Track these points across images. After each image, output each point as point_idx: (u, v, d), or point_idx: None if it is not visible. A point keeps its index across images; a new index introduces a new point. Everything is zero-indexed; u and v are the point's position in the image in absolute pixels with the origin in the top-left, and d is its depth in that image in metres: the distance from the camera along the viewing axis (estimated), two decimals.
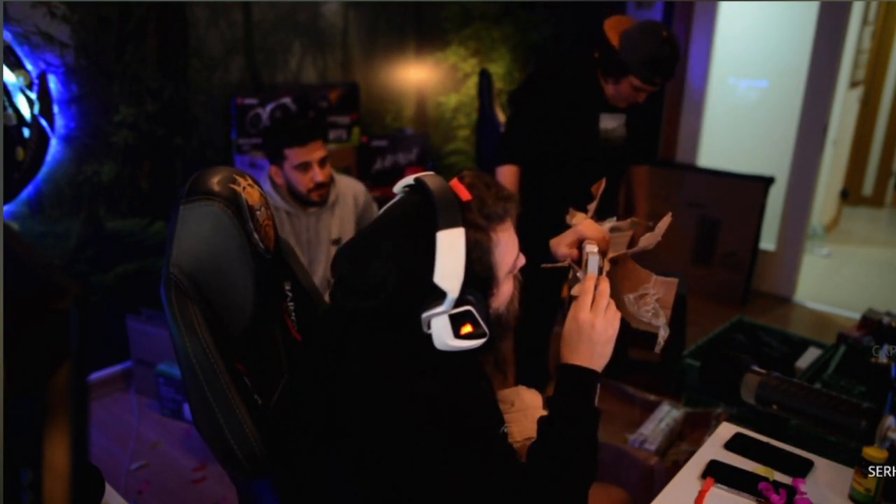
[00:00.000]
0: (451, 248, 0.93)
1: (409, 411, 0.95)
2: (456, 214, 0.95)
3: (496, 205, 0.99)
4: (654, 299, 1.16)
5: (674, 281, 1.15)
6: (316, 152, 2.29)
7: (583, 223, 1.24)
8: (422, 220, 0.96)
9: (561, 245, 1.23)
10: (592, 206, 1.46)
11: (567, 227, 1.35)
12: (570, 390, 1.06)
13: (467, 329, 0.96)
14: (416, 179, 1.02)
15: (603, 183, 1.44)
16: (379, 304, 0.97)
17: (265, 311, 1.15)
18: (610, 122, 2.40)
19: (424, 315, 0.96)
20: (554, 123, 2.38)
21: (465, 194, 0.97)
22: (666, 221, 1.15)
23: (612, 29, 2.30)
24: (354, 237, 1.05)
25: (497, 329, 1.05)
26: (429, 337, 0.98)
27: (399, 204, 1.03)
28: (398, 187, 1.06)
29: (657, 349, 1.13)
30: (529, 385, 1.25)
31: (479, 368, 1.15)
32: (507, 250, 1.02)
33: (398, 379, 0.97)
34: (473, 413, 1.02)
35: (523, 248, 1.08)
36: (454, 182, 1.00)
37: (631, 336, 1.17)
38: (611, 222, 1.41)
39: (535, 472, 1.00)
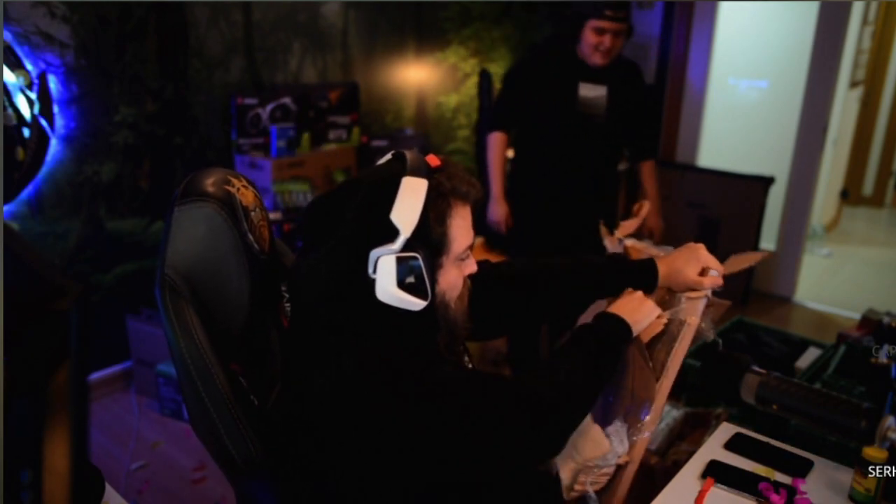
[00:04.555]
0: (412, 192, 0.98)
1: (369, 380, 0.97)
2: (424, 170, 1.01)
3: (462, 183, 1.04)
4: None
5: (726, 303, 1.31)
6: None
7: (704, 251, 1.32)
8: (390, 172, 1.02)
9: (690, 272, 1.29)
10: (629, 224, 1.54)
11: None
12: (597, 326, 1.18)
13: (410, 280, 0.98)
14: (394, 153, 1.08)
15: (645, 206, 1.55)
16: (333, 245, 0.99)
17: (261, 312, 1.15)
18: (590, 91, 2.55)
19: (374, 252, 0.97)
20: (535, 91, 2.56)
21: (435, 161, 1.04)
22: (756, 257, 1.37)
23: None
24: (317, 196, 1.08)
25: (440, 315, 1.06)
26: (375, 299, 0.99)
27: (373, 167, 1.09)
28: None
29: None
30: None
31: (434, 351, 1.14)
32: (462, 231, 1.05)
33: (352, 354, 0.99)
34: (431, 365, 1.03)
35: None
36: (429, 155, 1.05)
37: None
38: (648, 244, 1.52)
39: (537, 375, 1.09)
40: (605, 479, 1.26)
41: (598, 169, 2.67)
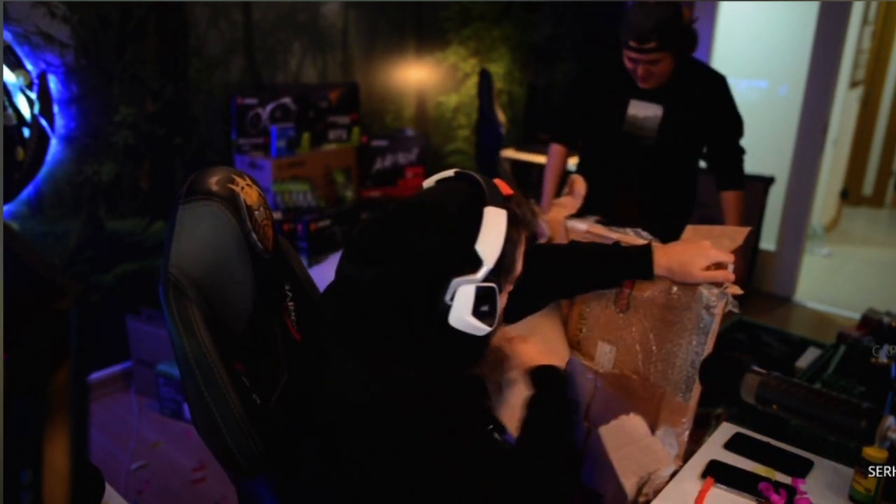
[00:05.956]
0: (495, 223, 0.97)
1: (396, 407, 0.96)
2: (502, 199, 1.01)
3: (528, 211, 1.05)
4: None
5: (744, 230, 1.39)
6: None
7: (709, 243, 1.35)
8: (469, 197, 1.00)
9: (697, 269, 1.32)
10: (566, 202, 1.49)
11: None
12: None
13: (484, 308, 0.97)
14: (458, 172, 1.06)
15: (579, 181, 1.49)
16: (405, 265, 0.97)
17: (265, 312, 1.15)
18: (641, 110, 2.33)
19: (456, 280, 0.96)
20: (588, 105, 2.45)
21: (507, 189, 1.03)
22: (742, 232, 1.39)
23: None
24: (389, 207, 1.06)
25: (489, 337, 1.05)
26: (440, 318, 0.98)
27: (441, 185, 1.07)
28: (432, 180, 1.09)
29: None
30: None
31: (467, 376, 1.15)
32: (522, 258, 1.05)
33: (388, 372, 0.98)
34: (461, 411, 1.03)
35: None
36: (496, 180, 1.05)
37: None
38: (603, 227, 1.47)
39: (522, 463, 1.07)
40: (662, 486, 1.28)
41: (650, 196, 2.37)
